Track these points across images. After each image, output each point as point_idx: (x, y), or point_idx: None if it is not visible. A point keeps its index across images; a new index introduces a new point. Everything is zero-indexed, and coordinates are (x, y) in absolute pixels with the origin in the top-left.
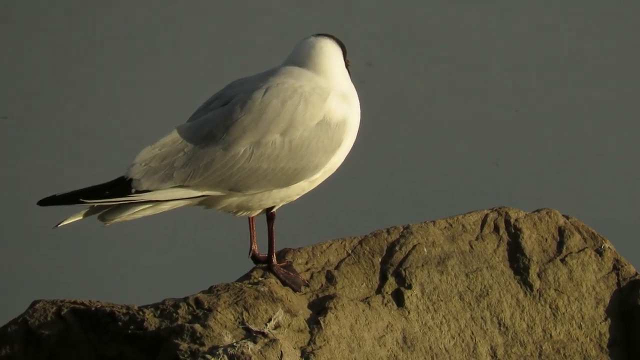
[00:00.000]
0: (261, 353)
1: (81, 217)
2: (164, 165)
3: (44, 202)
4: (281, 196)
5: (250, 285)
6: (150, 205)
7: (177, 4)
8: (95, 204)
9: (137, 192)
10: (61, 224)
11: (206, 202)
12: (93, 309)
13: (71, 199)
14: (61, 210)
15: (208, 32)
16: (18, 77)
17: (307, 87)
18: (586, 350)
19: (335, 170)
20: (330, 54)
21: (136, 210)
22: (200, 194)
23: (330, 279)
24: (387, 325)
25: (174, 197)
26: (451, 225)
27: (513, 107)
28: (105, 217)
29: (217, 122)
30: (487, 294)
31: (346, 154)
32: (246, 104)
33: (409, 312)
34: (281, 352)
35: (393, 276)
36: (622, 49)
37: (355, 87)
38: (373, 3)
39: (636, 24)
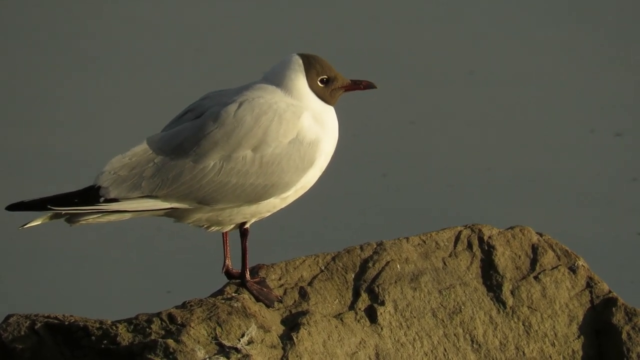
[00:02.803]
0: None
1: (47, 220)
2: (132, 175)
3: (12, 208)
4: (251, 212)
5: (223, 301)
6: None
7: (143, 19)
8: (63, 212)
9: (106, 200)
10: (27, 225)
11: (175, 215)
12: (67, 323)
13: (39, 205)
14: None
15: (173, 51)
16: None
17: (281, 103)
18: None
19: (308, 188)
20: (291, 75)
21: (100, 215)
22: (168, 205)
23: (304, 295)
24: (360, 342)
25: (142, 207)
26: (424, 242)
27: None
28: (72, 220)
29: (189, 134)
30: (460, 310)
31: (320, 174)
32: (219, 118)
33: (381, 329)
34: None
35: (366, 292)
36: (513, 61)
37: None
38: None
39: (526, 36)
